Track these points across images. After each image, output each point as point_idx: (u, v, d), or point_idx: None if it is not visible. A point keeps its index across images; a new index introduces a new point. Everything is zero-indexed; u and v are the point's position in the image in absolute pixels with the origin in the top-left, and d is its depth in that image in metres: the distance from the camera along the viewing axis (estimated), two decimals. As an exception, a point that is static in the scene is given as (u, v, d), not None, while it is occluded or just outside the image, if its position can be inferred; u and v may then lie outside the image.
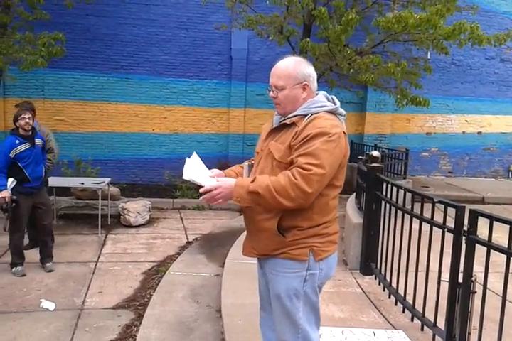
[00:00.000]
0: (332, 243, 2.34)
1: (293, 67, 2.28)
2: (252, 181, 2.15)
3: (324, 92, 2.40)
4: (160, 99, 11.19)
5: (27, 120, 5.12)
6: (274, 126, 2.39)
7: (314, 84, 2.35)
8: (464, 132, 13.05)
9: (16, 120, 5.16)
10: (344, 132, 2.27)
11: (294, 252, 2.24)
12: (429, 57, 10.93)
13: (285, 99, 2.30)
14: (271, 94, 2.34)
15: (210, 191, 2.23)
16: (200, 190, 2.25)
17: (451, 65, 12.58)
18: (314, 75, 2.36)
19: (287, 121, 2.29)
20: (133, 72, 10.99)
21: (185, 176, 2.30)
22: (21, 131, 5.18)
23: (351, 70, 8.51)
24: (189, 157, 2.39)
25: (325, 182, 2.17)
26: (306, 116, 2.25)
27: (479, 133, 13.15)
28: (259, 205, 2.20)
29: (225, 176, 2.45)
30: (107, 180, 7.83)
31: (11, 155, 5.07)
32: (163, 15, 10.93)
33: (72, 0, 8.97)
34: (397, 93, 9.13)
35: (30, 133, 5.23)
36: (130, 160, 11.19)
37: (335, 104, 2.35)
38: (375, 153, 5.38)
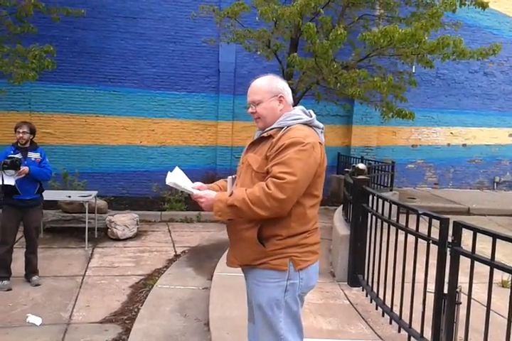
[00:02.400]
0: (312, 253, 2.41)
1: (267, 83, 2.46)
2: (230, 195, 2.27)
3: (302, 107, 2.53)
4: (148, 112, 11.20)
5: (21, 134, 5.32)
6: (254, 139, 2.52)
7: (289, 98, 2.51)
8: (449, 144, 13.21)
9: (14, 131, 5.40)
10: (320, 142, 2.38)
11: (274, 262, 2.31)
12: (414, 70, 11.09)
13: (263, 111, 2.44)
14: (250, 110, 2.49)
15: (196, 198, 2.38)
16: (193, 196, 2.40)
17: (436, 78, 12.78)
18: (288, 90, 2.52)
19: (265, 134, 2.42)
20: (121, 85, 11.00)
21: (168, 181, 2.41)
22: (19, 143, 5.38)
23: (338, 84, 8.62)
24: (171, 171, 2.49)
25: (299, 190, 2.26)
26: (282, 128, 2.38)
27: (464, 145, 13.32)
28: (240, 217, 2.31)
29: (208, 190, 2.52)
30: (94, 193, 7.80)
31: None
32: (151, 28, 10.99)
33: (59, 13, 9.02)
34: (383, 106, 9.24)
35: (26, 145, 5.39)
36: (117, 172, 11.15)
37: (310, 116, 2.47)
38: (361, 166, 5.45)
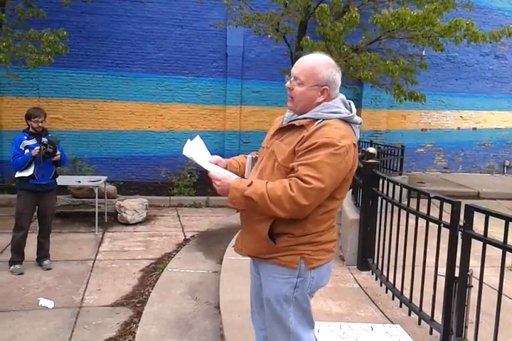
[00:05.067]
0: (327, 251, 2.24)
1: (320, 69, 2.15)
2: (249, 185, 2.06)
3: (343, 96, 2.27)
4: (155, 97, 11.16)
5: (40, 124, 5.32)
6: (284, 124, 2.27)
7: (335, 91, 2.23)
8: (459, 128, 13.11)
9: (29, 119, 5.33)
10: (354, 144, 2.14)
11: (284, 259, 2.16)
12: (424, 53, 10.96)
13: (299, 96, 2.18)
14: (287, 83, 2.22)
15: (212, 179, 2.17)
16: (209, 175, 2.19)
17: (446, 61, 12.62)
18: (338, 82, 2.23)
19: (296, 123, 2.17)
20: (128, 70, 10.96)
21: (185, 152, 2.21)
22: (31, 129, 5.37)
23: (350, 68, 8.54)
24: (191, 139, 2.29)
25: (324, 197, 2.07)
26: (317, 120, 2.14)
27: (474, 129, 13.21)
28: (253, 210, 2.12)
29: (226, 165, 2.37)
30: (104, 178, 7.83)
31: (21, 147, 5.24)
32: (158, 12, 10.89)
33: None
34: (395, 89, 9.16)
35: (40, 131, 5.40)
36: (126, 158, 11.17)
37: (351, 111, 2.22)
38: (372, 150, 5.41)
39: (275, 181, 2.07)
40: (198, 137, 2.31)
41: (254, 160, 2.39)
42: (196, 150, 2.24)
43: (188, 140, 2.27)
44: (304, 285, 2.20)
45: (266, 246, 2.18)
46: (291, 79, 2.20)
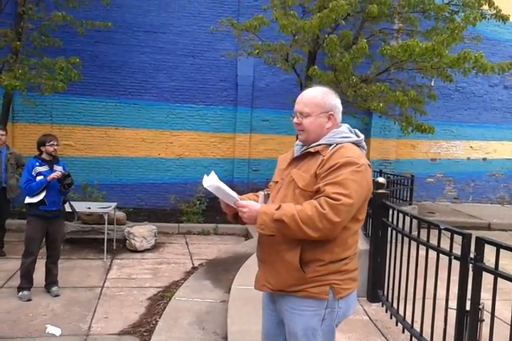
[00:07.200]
0: (352, 280, 2.26)
1: (321, 97, 2.30)
2: (277, 209, 2.08)
3: (347, 125, 2.39)
4: (166, 125, 11.29)
5: (55, 147, 5.45)
6: (296, 154, 2.36)
7: (339, 116, 2.36)
8: (468, 158, 13.08)
9: (43, 145, 5.42)
10: (369, 164, 2.25)
11: (314, 290, 2.15)
12: (432, 84, 11.05)
13: (309, 126, 2.29)
14: (295, 120, 2.33)
15: (238, 207, 2.20)
16: (235, 203, 2.22)
17: (455, 92, 12.70)
18: (340, 107, 2.36)
19: (311, 150, 2.26)
20: (140, 98, 11.12)
21: (206, 184, 2.19)
22: (44, 155, 5.45)
23: (359, 98, 8.62)
24: (207, 174, 2.30)
25: (352, 213, 2.11)
26: (330, 145, 2.24)
27: (484, 159, 13.17)
28: (283, 235, 2.11)
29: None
30: (114, 204, 7.87)
31: (33, 173, 5.30)
32: (171, 42, 11.13)
33: (82, 27, 9.24)
34: (403, 120, 9.21)
35: (52, 158, 5.49)
36: (136, 184, 11.23)
37: (358, 136, 2.35)
38: (381, 180, 5.39)
39: (302, 204, 2.10)
40: (213, 172, 2.32)
41: (267, 196, 2.42)
42: (219, 183, 2.23)
43: (205, 175, 2.28)
44: (332, 316, 2.20)
45: (295, 278, 2.16)
46: (297, 115, 2.33)
